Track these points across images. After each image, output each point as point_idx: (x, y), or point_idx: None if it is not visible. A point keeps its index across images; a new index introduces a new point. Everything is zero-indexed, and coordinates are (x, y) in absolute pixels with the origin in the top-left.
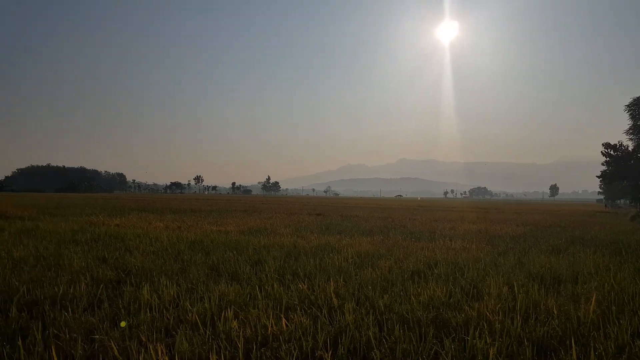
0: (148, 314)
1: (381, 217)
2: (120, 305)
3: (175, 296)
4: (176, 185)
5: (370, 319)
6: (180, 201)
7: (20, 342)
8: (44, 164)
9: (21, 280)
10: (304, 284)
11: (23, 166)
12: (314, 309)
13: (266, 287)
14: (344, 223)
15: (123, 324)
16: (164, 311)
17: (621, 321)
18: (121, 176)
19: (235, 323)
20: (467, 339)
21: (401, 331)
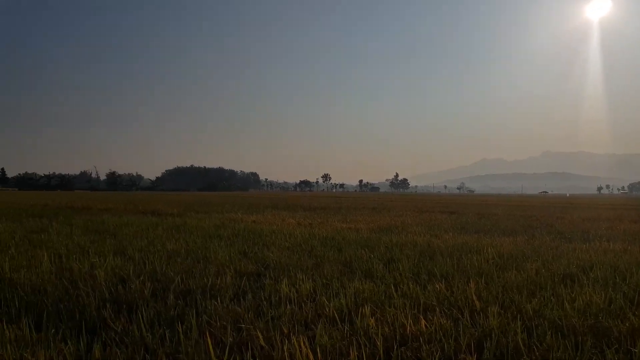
0: (288, 307)
1: (524, 215)
2: (262, 297)
3: (312, 291)
4: (305, 183)
5: (518, 324)
6: (310, 199)
7: (179, 328)
8: (188, 165)
9: (175, 270)
10: (442, 285)
11: (170, 168)
12: (454, 310)
13: (401, 286)
14: (481, 222)
15: None
16: (302, 305)
17: None
18: (255, 175)
19: (372, 320)
20: (635, 351)
21: (554, 338)
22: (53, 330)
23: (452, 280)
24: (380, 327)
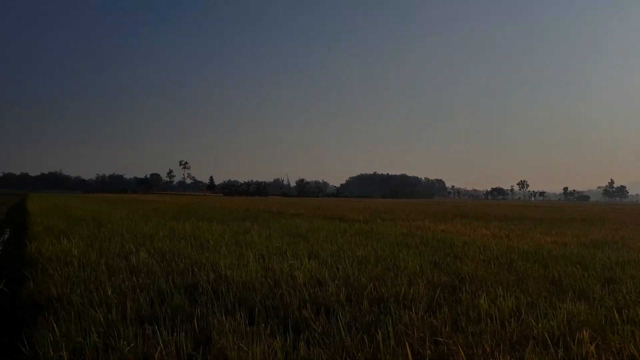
0: (488, 324)
1: None
2: (459, 311)
3: (514, 309)
4: (497, 191)
5: None
6: (504, 208)
7: (377, 334)
8: (371, 172)
9: (367, 277)
10: None
11: (354, 175)
12: None
13: (626, 310)
14: None
15: None
16: (505, 323)
17: None
18: (440, 182)
19: (592, 347)
20: None
21: None
22: (263, 324)
23: None
24: (603, 355)
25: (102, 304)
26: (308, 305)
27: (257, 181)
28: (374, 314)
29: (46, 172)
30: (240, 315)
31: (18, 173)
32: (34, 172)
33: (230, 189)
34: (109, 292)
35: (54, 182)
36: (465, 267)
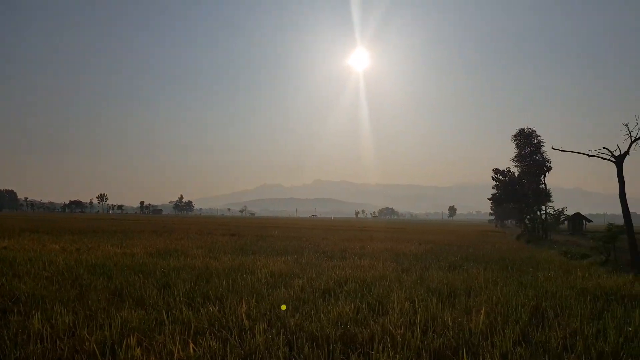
0: (38, 345)
1: (296, 237)
2: (6, 337)
3: (71, 325)
4: (76, 204)
5: (281, 339)
6: (81, 221)
7: None
8: None
9: None
10: (215, 307)
11: None
12: (224, 331)
13: (174, 311)
14: (259, 243)
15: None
16: (57, 341)
17: (505, 331)
18: (11, 193)
19: (138, 350)
20: (372, 353)
21: (310, 349)
22: None
23: (226, 302)
24: (146, 356)
25: None
26: None
27: None
28: None
29: None
30: None
31: None
32: None
33: None
34: None
35: None
36: (24, 286)
